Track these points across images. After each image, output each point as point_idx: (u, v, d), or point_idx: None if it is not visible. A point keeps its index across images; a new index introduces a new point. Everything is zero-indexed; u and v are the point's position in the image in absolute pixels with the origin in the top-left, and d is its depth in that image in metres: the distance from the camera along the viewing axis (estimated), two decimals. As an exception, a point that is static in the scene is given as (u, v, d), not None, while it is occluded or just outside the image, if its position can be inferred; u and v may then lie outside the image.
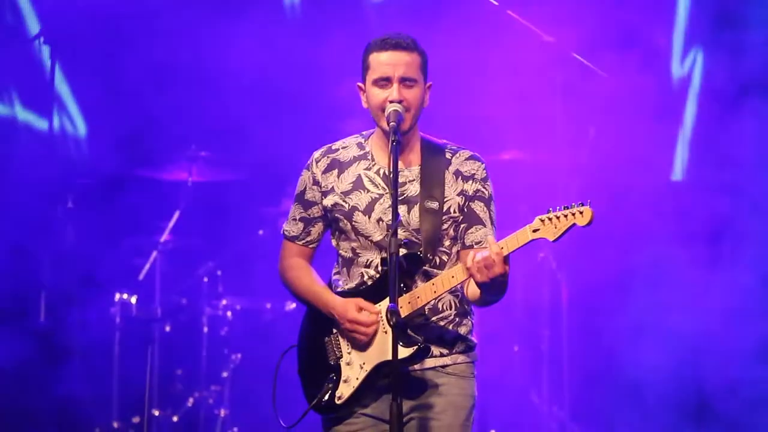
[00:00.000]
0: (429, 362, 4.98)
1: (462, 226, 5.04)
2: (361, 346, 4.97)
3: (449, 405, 4.99)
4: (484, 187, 5.07)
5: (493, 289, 4.78)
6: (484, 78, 9.41)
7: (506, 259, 4.71)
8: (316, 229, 5.19)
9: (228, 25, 9.88)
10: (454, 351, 5.02)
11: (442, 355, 5.00)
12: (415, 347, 4.86)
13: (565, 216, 4.71)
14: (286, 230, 5.23)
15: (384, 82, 4.97)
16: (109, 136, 9.60)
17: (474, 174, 5.07)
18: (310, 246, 5.22)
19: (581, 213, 4.70)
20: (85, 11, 9.28)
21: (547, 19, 8.83)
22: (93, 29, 9.46)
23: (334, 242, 5.16)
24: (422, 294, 4.90)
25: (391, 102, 4.93)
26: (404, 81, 4.96)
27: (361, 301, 4.96)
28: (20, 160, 9.12)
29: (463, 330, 5.05)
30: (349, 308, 4.96)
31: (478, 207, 5.05)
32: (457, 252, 5.04)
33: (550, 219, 4.73)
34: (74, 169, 9.34)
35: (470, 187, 5.05)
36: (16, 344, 9.04)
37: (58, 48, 9.00)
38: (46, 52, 9.14)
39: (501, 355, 9.19)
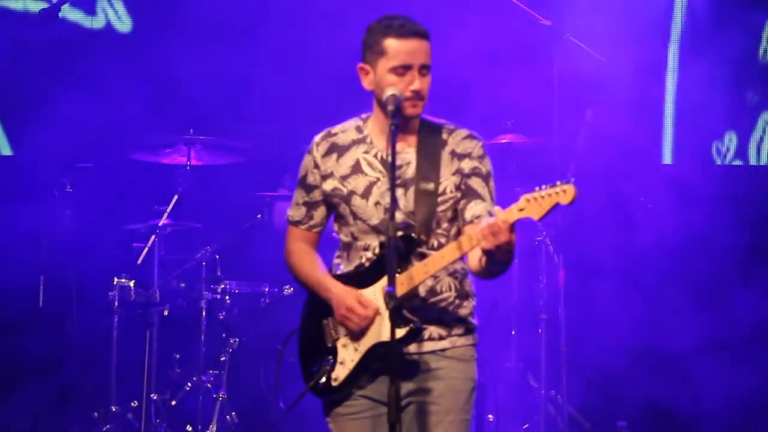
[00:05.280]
0: (427, 346, 5.00)
1: (461, 202, 5.04)
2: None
3: (448, 389, 5.00)
4: (481, 164, 5.07)
5: (498, 256, 4.76)
6: (480, 61, 9.42)
7: (512, 228, 4.71)
8: (319, 213, 5.20)
9: (226, 11, 9.89)
10: (452, 333, 5.04)
11: (440, 338, 5.02)
12: (408, 328, 4.88)
13: (549, 195, 4.71)
14: (290, 215, 5.24)
15: (403, 69, 4.95)
16: (108, 119, 9.61)
17: (470, 152, 5.06)
18: (314, 230, 5.22)
19: (564, 191, 4.69)
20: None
21: (544, 2, 8.82)
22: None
23: (336, 227, 5.17)
24: (415, 274, 4.91)
25: (413, 92, 4.92)
26: (421, 69, 4.96)
27: (361, 296, 4.97)
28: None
29: (463, 312, 5.06)
30: (348, 296, 4.97)
31: (475, 183, 5.04)
32: (457, 233, 5.04)
33: (535, 198, 4.74)
34: (73, 153, 9.34)
35: (466, 165, 5.04)
36: (14, 329, 9.06)
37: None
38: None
39: (499, 340, 9.20)
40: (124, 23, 10.01)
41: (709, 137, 9.53)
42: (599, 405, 9.32)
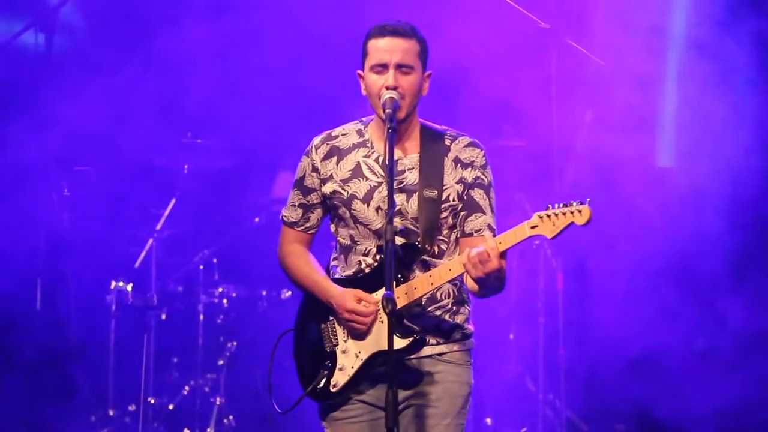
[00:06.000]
0: (425, 350, 4.98)
1: (462, 213, 5.03)
2: (358, 335, 4.97)
3: (445, 393, 4.99)
4: (484, 174, 5.06)
5: (489, 283, 4.78)
6: (479, 64, 9.41)
7: (503, 255, 4.71)
8: (315, 215, 5.18)
9: (223, 13, 9.89)
10: (450, 340, 5.02)
11: (438, 344, 5.00)
12: (411, 339, 4.87)
13: (564, 214, 4.70)
14: (285, 216, 5.22)
15: (380, 68, 4.95)
16: (106, 123, 9.61)
17: (473, 161, 5.06)
18: (309, 232, 5.20)
19: (580, 212, 4.68)
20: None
21: (543, 5, 8.82)
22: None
23: (332, 228, 5.16)
24: (419, 285, 4.89)
25: (386, 89, 4.92)
26: (400, 68, 4.94)
27: (359, 292, 4.95)
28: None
29: (459, 318, 5.05)
30: (347, 298, 4.95)
31: (477, 194, 5.04)
32: (456, 240, 5.04)
33: (548, 216, 4.72)
34: (71, 157, 9.34)
35: (469, 175, 5.04)
36: (12, 332, 9.05)
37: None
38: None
39: (497, 343, 9.20)
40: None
41: (709, 140, 9.52)
42: (597, 409, 9.30)
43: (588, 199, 4.70)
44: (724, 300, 9.18)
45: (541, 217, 4.73)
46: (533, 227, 4.73)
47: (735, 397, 9.06)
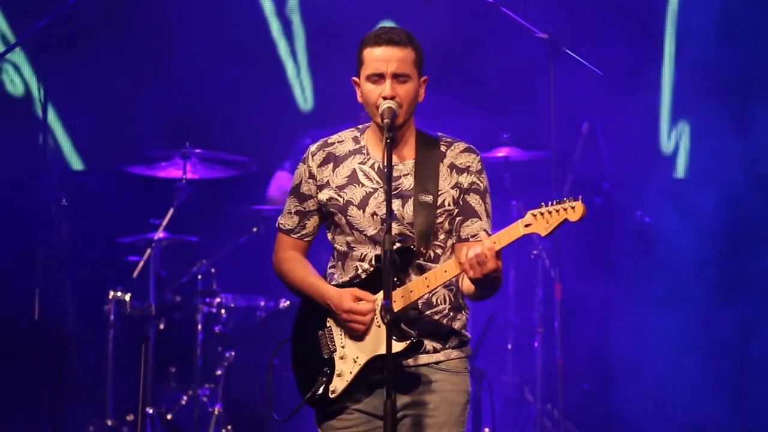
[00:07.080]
0: (422, 359, 4.99)
1: (457, 219, 5.04)
2: (356, 339, 4.97)
3: (443, 402, 4.99)
4: (479, 180, 5.07)
5: (487, 284, 4.80)
6: (477, 74, 9.43)
7: (498, 255, 4.73)
8: (312, 222, 5.18)
9: (224, 21, 9.92)
10: (447, 346, 5.03)
11: (435, 351, 5.01)
12: (408, 342, 4.88)
13: (557, 211, 4.73)
14: (281, 223, 5.22)
15: (377, 77, 4.97)
16: (103, 133, 9.62)
17: (469, 166, 5.07)
18: (305, 239, 5.21)
19: (573, 208, 4.71)
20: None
21: (540, 15, 8.84)
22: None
23: (329, 236, 5.16)
24: (415, 288, 4.90)
25: (384, 98, 4.93)
26: (397, 77, 4.96)
27: (356, 291, 4.95)
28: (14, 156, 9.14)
29: (456, 324, 5.05)
30: (344, 298, 4.96)
31: (473, 200, 5.04)
32: (452, 245, 5.05)
33: (542, 214, 4.75)
34: (69, 167, 9.34)
35: (465, 180, 5.05)
36: (10, 342, 9.04)
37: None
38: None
39: (494, 353, 9.20)
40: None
41: (708, 150, 9.54)
42: (595, 419, 9.31)
43: (580, 196, 4.71)
44: (717, 316, 9.19)
45: (534, 215, 4.76)
46: (527, 225, 4.76)
47: (728, 413, 9.07)
